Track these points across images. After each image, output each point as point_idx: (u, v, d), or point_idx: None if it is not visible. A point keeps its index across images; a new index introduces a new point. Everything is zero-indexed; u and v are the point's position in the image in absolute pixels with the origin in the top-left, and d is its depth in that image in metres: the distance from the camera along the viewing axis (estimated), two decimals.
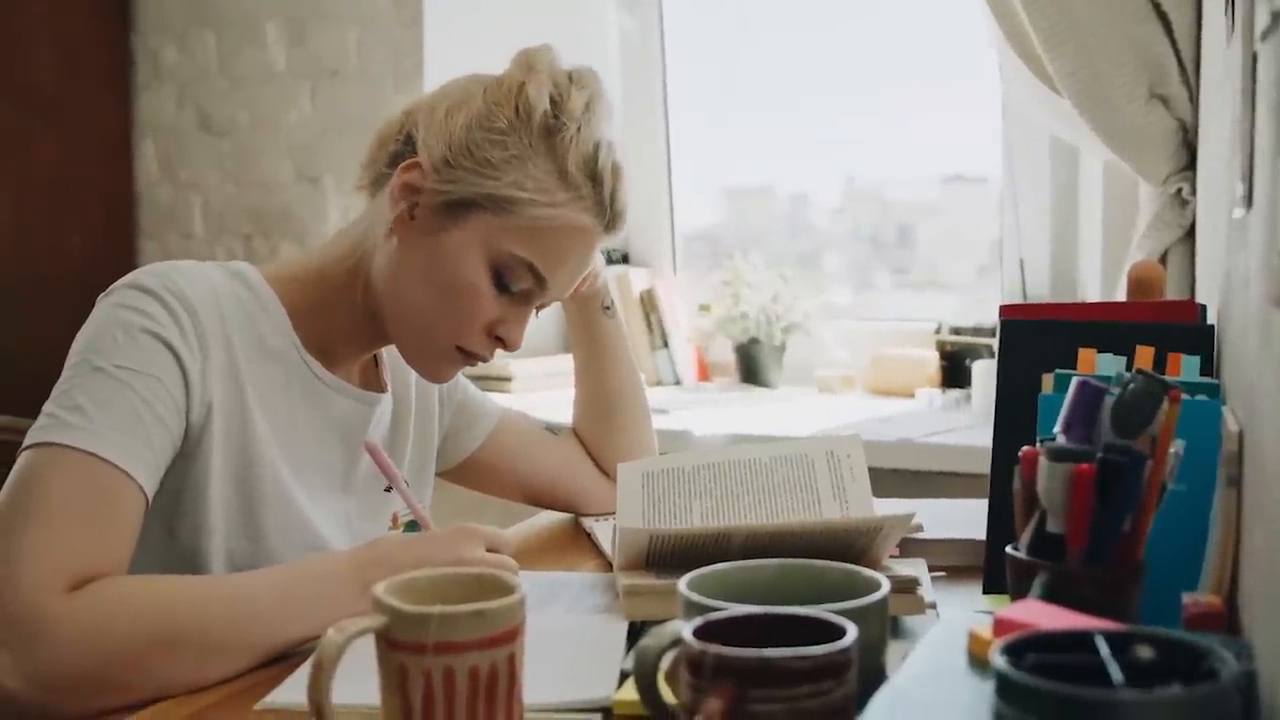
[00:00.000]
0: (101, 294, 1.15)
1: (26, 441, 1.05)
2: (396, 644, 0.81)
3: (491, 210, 1.18)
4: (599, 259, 1.44)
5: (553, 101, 1.19)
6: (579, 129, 1.19)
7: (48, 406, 1.07)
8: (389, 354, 1.35)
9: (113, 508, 1.03)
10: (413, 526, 1.32)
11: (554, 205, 1.19)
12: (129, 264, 3.05)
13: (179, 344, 1.11)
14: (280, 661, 1.04)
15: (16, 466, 1.04)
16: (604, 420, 1.54)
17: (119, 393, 1.07)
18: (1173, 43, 1.91)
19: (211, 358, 1.13)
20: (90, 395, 1.06)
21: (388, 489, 1.32)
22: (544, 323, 1.66)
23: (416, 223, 1.20)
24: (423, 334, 1.23)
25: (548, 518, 1.58)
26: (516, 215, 1.18)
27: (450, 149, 1.18)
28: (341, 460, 1.27)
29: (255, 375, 1.17)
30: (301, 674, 0.98)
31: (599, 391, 1.53)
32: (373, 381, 1.33)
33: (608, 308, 1.52)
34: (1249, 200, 0.96)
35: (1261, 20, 0.87)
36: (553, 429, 1.55)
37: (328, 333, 1.24)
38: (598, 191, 1.20)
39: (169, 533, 1.14)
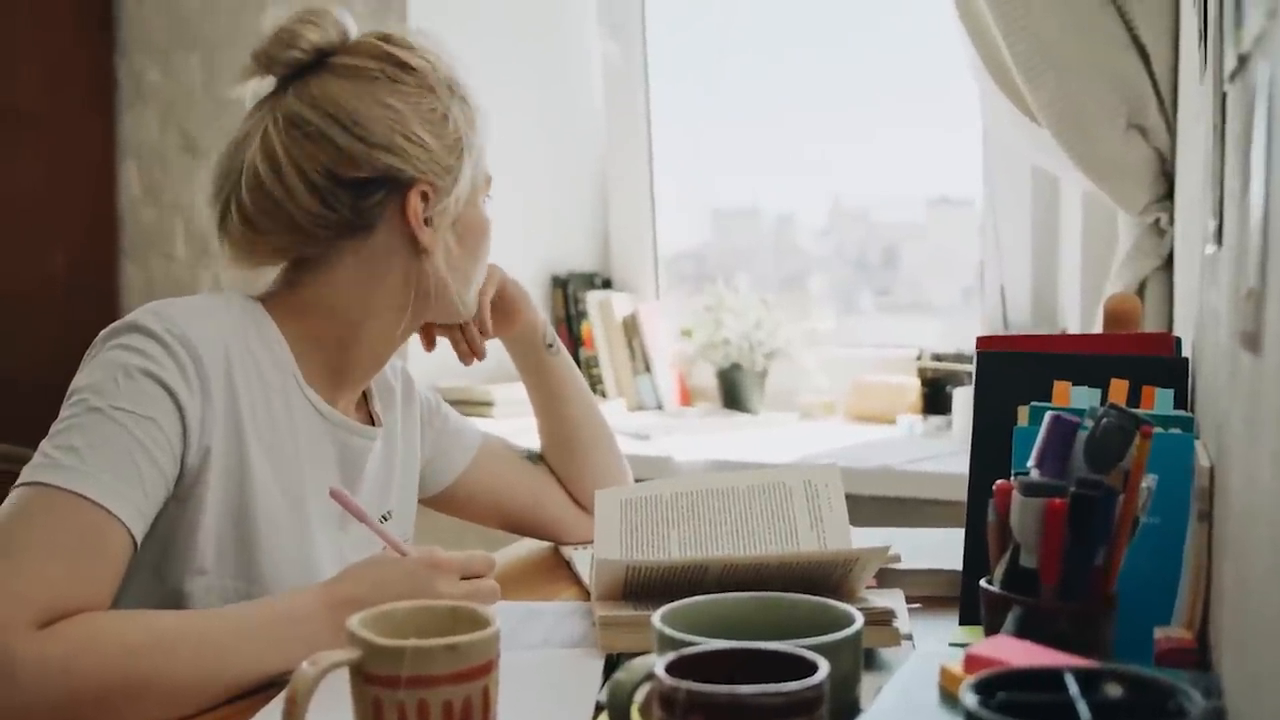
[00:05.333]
0: (105, 330, 1.15)
1: (20, 480, 1.05)
2: (370, 677, 0.81)
3: (476, 166, 1.27)
4: (530, 300, 1.51)
5: (427, 64, 1.25)
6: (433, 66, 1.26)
7: (44, 445, 1.07)
8: (376, 385, 1.35)
9: (93, 547, 1.03)
10: None
11: (472, 121, 1.27)
12: (111, 285, 3.05)
13: (179, 388, 1.11)
14: (257, 694, 1.03)
15: (4, 504, 1.04)
16: (568, 454, 1.55)
17: (115, 435, 1.06)
18: (1150, 74, 1.92)
19: (213, 403, 1.13)
20: (86, 436, 1.06)
21: (383, 518, 1.32)
22: None
23: (432, 225, 1.24)
24: (474, 289, 1.33)
25: (527, 545, 1.58)
26: (478, 150, 1.27)
27: (435, 159, 1.23)
28: None
29: (257, 414, 1.17)
30: (275, 707, 0.98)
31: (558, 427, 1.55)
32: (364, 415, 1.34)
33: (550, 345, 1.53)
34: (1220, 237, 0.97)
35: (1230, 62, 0.88)
36: (532, 457, 1.56)
37: (335, 367, 1.25)
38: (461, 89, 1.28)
39: (155, 573, 1.14)
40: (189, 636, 1.03)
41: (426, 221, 1.24)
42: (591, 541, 1.37)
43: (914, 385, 2.62)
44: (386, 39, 1.25)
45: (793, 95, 2.96)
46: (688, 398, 2.92)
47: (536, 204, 2.87)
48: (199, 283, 2.98)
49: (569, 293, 2.94)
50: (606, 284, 3.02)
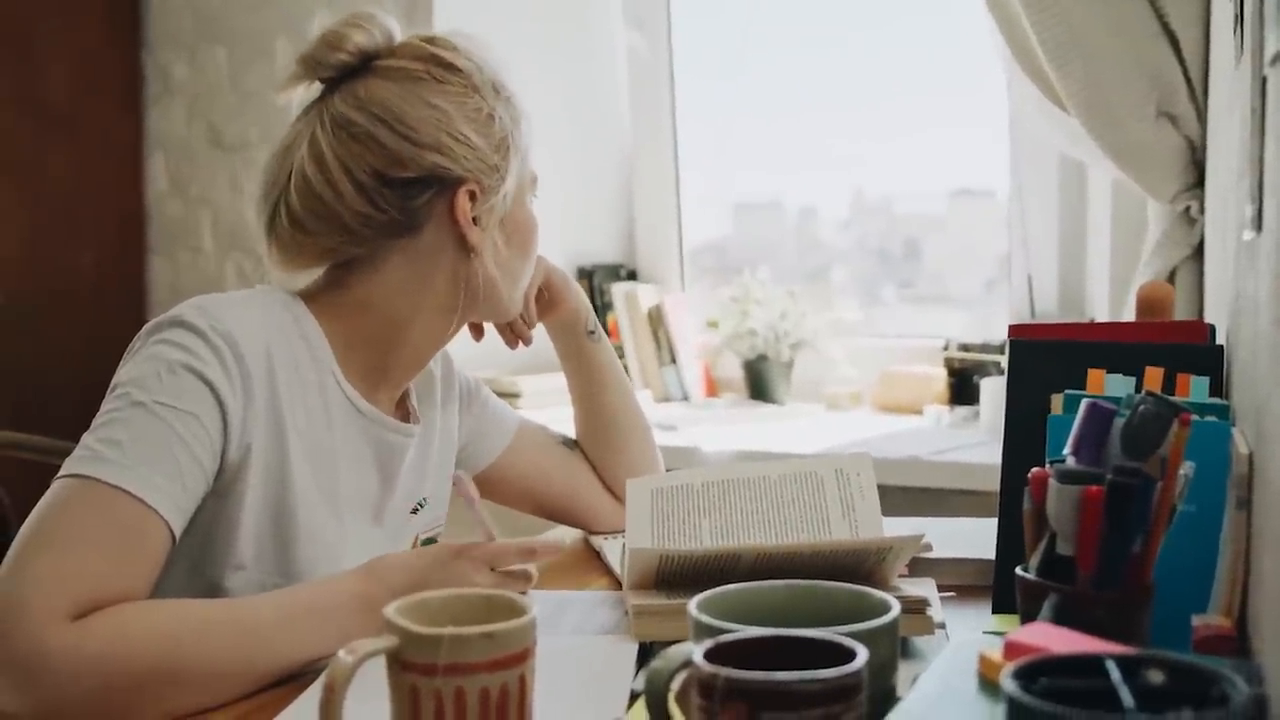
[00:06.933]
0: (149, 324, 1.15)
1: (61, 471, 1.06)
2: (408, 665, 0.81)
3: (522, 164, 1.27)
4: (574, 285, 1.50)
5: (473, 65, 1.25)
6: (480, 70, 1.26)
7: (86, 438, 1.07)
8: (415, 381, 1.36)
9: (131, 540, 1.03)
10: (429, 544, 1.33)
11: (518, 121, 1.27)
12: (139, 279, 3.07)
13: (222, 384, 1.11)
14: (289, 681, 1.04)
15: (45, 495, 1.05)
16: (604, 442, 1.55)
17: (156, 429, 1.07)
18: (1181, 61, 1.91)
19: (255, 400, 1.13)
20: (128, 430, 1.06)
21: (414, 511, 1.33)
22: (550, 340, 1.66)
23: (480, 224, 1.24)
24: (521, 289, 1.33)
25: (557, 536, 1.58)
26: (524, 150, 1.27)
27: (481, 158, 1.23)
28: (376, 491, 1.28)
29: (297, 410, 1.18)
30: (311, 695, 0.98)
31: (595, 414, 1.55)
32: (403, 410, 1.34)
33: (592, 332, 1.53)
34: (1259, 223, 0.97)
35: (1272, 46, 0.88)
36: (569, 443, 1.56)
37: (377, 365, 1.26)
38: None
39: (194, 568, 1.14)
40: (221, 623, 1.04)
41: (474, 221, 1.24)
42: (622, 531, 1.37)
43: (941, 376, 2.61)
44: (431, 41, 1.25)
45: (815, 88, 2.96)
46: (714, 389, 2.92)
47: (562, 196, 2.87)
48: (226, 276, 2.99)
49: (594, 284, 2.94)
50: (632, 275, 3.02)
